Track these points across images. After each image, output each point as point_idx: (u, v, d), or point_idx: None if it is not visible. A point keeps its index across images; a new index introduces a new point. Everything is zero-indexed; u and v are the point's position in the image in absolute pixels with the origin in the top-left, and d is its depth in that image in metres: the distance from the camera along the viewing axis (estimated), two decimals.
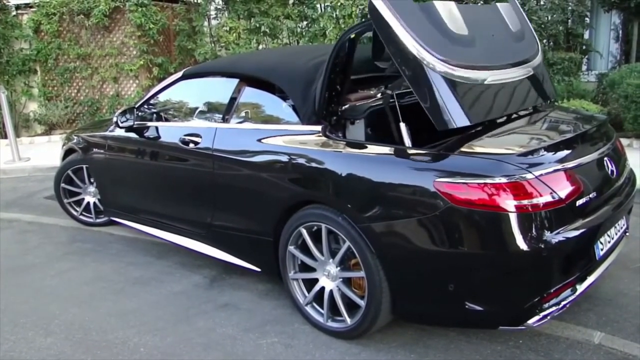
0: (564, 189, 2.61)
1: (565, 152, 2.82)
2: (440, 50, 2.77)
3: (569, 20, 9.46)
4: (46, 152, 8.59)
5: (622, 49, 9.82)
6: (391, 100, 3.18)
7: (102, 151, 4.64)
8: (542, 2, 8.74)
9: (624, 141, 7.01)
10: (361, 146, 3.05)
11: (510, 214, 2.46)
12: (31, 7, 9.85)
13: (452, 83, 2.74)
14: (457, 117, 2.70)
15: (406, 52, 2.72)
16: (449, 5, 3.09)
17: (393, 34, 2.73)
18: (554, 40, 9.07)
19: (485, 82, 2.94)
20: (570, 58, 8.63)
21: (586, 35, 10.15)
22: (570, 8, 9.23)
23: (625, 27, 9.61)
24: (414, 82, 2.75)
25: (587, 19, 9.85)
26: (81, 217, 5.20)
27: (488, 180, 2.50)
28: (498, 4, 3.53)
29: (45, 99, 10.09)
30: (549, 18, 8.73)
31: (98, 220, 5.13)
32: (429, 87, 2.72)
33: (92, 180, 5.01)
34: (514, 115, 3.29)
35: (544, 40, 8.81)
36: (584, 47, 9.75)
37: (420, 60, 2.70)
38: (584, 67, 10.04)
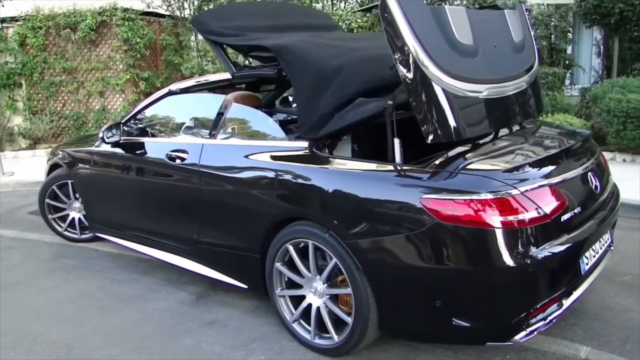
0: (549, 204, 2.62)
1: (550, 167, 2.85)
2: (443, 60, 2.70)
3: (552, 36, 9.62)
4: (30, 167, 8.51)
5: (604, 63, 9.99)
6: (393, 113, 2.93)
7: (88, 166, 4.60)
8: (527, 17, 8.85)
9: (608, 155, 7.12)
10: (348, 163, 3.04)
11: (496, 230, 2.48)
12: (17, 20, 9.82)
13: (449, 96, 2.69)
14: (448, 132, 2.69)
15: (409, 56, 2.62)
16: (459, 11, 3.00)
17: (399, 36, 2.62)
18: (539, 56, 9.19)
19: (480, 96, 2.91)
20: (554, 73, 8.77)
21: (569, 51, 10.32)
22: (553, 24, 9.39)
23: (607, 42, 9.79)
24: (411, 89, 2.68)
25: (569, 34, 10.02)
26: (66, 233, 5.14)
27: (474, 197, 2.51)
28: (505, 11, 3.45)
29: (30, 113, 10.03)
30: (534, 33, 8.84)
31: (83, 236, 5.07)
32: (426, 97, 2.66)
33: (77, 196, 4.97)
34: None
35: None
36: (567, 62, 9.91)
37: (422, 67, 2.62)
38: (567, 82, 10.20)
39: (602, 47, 10.15)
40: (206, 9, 9.51)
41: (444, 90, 2.68)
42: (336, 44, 3.52)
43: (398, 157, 2.84)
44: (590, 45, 10.77)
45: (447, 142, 2.74)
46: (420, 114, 2.69)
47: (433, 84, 2.65)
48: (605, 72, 9.81)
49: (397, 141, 2.84)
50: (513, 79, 3.23)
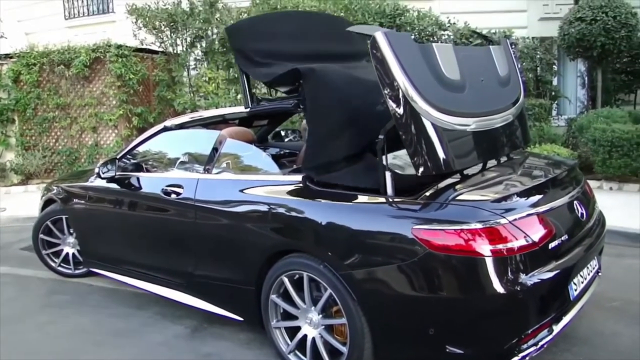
0: (537, 233, 2.70)
1: (537, 197, 2.93)
2: (432, 95, 2.78)
3: (538, 68, 9.86)
4: (23, 202, 8.52)
5: (589, 94, 10.24)
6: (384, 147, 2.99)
7: (82, 202, 4.65)
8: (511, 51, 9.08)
9: (595, 183, 7.26)
10: (341, 195, 3.08)
11: (486, 258, 2.54)
12: (11, 57, 9.94)
13: (438, 130, 2.77)
14: (438, 164, 2.77)
15: (398, 92, 2.70)
16: (446, 47, 3.12)
17: (389, 71, 2.70)
18: (524, 88, 9.39)
19: (468, 129, 3.00)
20: (540, 104, 8.97)
21: (555, 82, 10.57)
22: (538, 56, 9.63)
23: (590, 74, 10.05)
24: (401, 124, 2.76)
25: (555, 66, 10.28)
26: (59, 268, 5.14)
27: (464, 226, 2.59)
28: (490, 47, 3.56)
29: (23, 149, 10.08)
30: (519, 67, 9.07)
31: (77, 272, 5.08)
32: (416, 130, 2.73)
33: (71, 231, 5.00)
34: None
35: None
36: (553, 94, 10.14)
37: (411, 102, 2.70)
38: (554, 113, 10.43)
39: (586, 79, 10.42)
40: (198, 45, 9.68)
41: (432, 125, 2.76)
42: (360, 79, 3.49)
43: (390, 190, 2.91)
44: (575, 76, 11.05)
45: (436, 174, 2.83)
46: (411, 148, 2.78)
47: (422, 118, 2.73)
48: (590, 102, 10.05)
49: (388, 174, 2.92)
50: (500, 111, 3.33)
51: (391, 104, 2.76)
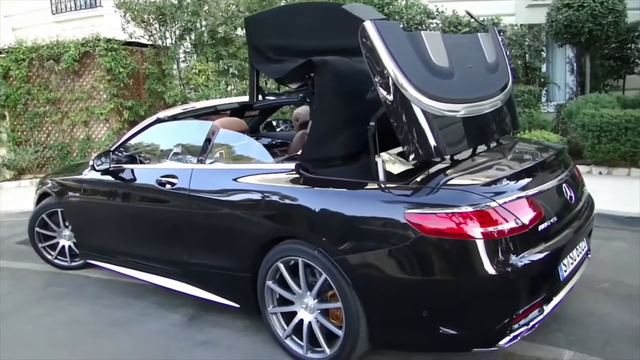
0: (526, 215, 2.76)
1: (526, 180, 2.99)
2: (421, 81, 2.82)
3: (527, 55, 9.92)
4: (16, 197, 8.53)
5: (578, 80, 10.31)
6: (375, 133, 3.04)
7: (77, 194, 4.67)
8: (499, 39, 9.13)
9: (584, 168, 7.35)
10: (334, 182, 3.12)
11: (477, 241, 2.60)
12: (0, 53, 9.88)
13: (428, 116, 2.82)
14: (429, 151, 2.83)
15: (388, 79, 2.75)
16: (435, 35, 3.16)
17: (379, 60, 2.75)
18: (512, 74, 9.46)
19: (458, 115, 3.04)
20: (529, 91, 9.04)
21: (544, 69, 10.63)
22: (527, 43, 9.69)
23: (579, 60, 10.11)
24: (392, 110, 2.81)
25: (543, 53, 10.33)
26: (56, 261, 5.17)
27: (455, 210, 2.64)
28: (478, 34, 3.62)
29: (15, 144, 10.07)
30: (507, 53, 9.12)
31: (73, 264, 5.11)
32: (406, 118, 2.79)
33: (66, 224, 5.02)
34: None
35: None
36: (542, 80, 10.21)
37: (401, 89, 2.75)
38: (543, 99, 10.50)
39: (575, 65, 10.49)
40: (187, 38, 9.67)
41: (422, 111, 2.81)
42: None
43: (381, 175, 2.96)
44: (564, 63, 11.12)
45: (428, 159, 2.88)
46: (402, 134, 2.82)
47: (412, 105, 2.78)
48: (579, 88, 10.12)
49: (379, 160, 2.96)
50: (488, 97, 3.37)
51: (382, 92, 2.81)
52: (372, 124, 2.95)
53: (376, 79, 2.81)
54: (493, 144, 3.62)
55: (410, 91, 2.77)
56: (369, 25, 2.76)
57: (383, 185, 2.92)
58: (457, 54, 3.20)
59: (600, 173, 7.40)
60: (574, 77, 10.60)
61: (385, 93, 2.80)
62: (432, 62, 2.98)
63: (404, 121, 2.80)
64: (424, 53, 2.97)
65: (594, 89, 9.30)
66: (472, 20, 8.73)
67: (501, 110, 3.51)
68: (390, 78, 2.75)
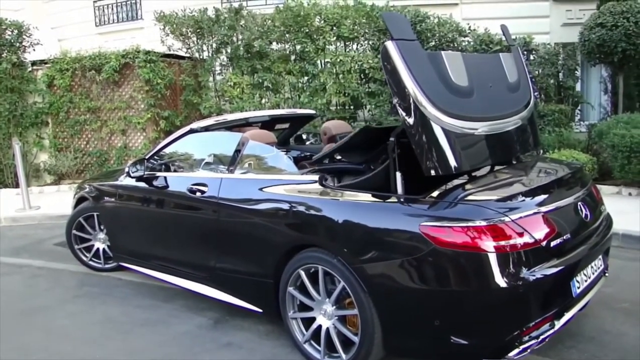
0: (539, 231, 2.85)
1: (541, 197, 3.08)
2: (440, 99, 2.97)
3: (560, 74, 9.88)
4: (55, 201, 8.87)
5: (612, 100, 10.20)
6: (395, 149, 3.22)
7: (113, 199, 4.92)
8: (532, 57, 9.16)
9: (613, 189, 7.32)
10: (355, 194, 3.26)
11: (489, 254, 2.70)
12: (46, 63, 10.34)
13: (446, 133, 2.96)
14: (447, 166, 2.96)
15: (408, 97, 2.90)
16: (455, 55, 3.29)
17: (399, 78, 2.91)
18: (545, 93, 9.46)
19: (476, 133, 3.17)
20: (560, 110, 8.99)
21: (577, 88, 10.55)
22: (560, 62, 9.66)
23: (613, 79, 10.01)
24: (410, 127, 2.95)
25: (577, 72, 10.27)
26: (90, 262, 5.42)
27: (469, 224, 2.74)
28: (500, 54, 3.71)
29: (56, 150, 10.47)
30: (539, 72, 9.14)
31: (107, 266, 5.35)
32: (425, 135, 2.93)
33: (102, 227, 5.27)
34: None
35: (535, 94, 9.17)
36: (575, 100, 10.13)
37: (420, 107, 2.89)
38: (576, 118, 10.41)
39: (608, 85, 10.38)
40: (224, 51, 9.95)
41: (442, 129, 2.95)
42: None
43: (400, 189, 3.09)
44: (598, 82, 11.02)
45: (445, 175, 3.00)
46: (421, 151, 2.96)
47: (432, 123, 2.92)
48: (613, 108, 10.01)
49: (398, 175, 3.10)
50: (508, 116, 3.48)
51: (401, 111, 2.96)
52: (392, 139, 3.09)
53: (396, 98, 2.96)
54: (513, 162, 3.70)
55: (430, 109, 2.91)
56: (390, 46, 2.92)
57: (402, 199, 3.05)
58: (478, 73, 3.32)
59: (630, 194, 7.33)
60: (608, 97, 10.49)
61: (404, 112, 2.94)
62: (452, 81, 3.11)
63: (423, 138, 2.93)
64: (443, 72, 3.10)
65: (627, 109, 9.19)
66: (504, 38, 8.76)
67: (522, 129, 3.60)
68: (410, 97, 2.90)
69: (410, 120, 2.95)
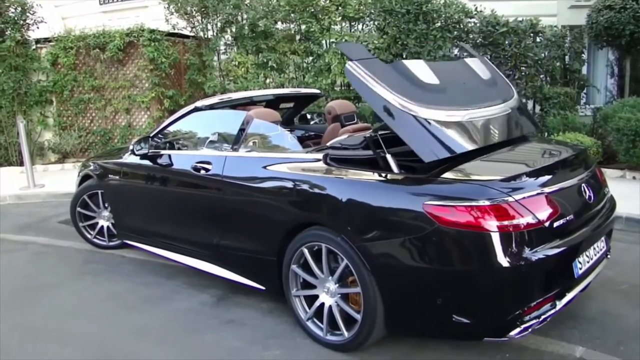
0: (542, 211, 2.85)
1: (545, 178, 3.08)
2: (414, 96, 3.15)
3: (566, 57, 9.80)
4: (60, 180, 8.91)
5: (618, 84, 10.13)
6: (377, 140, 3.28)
7: (117, 177, 4.93)
8: (538, 40, 9.07)
9: (618, 172, 7.31)
10: (358, 173, 3.26)
11: (492, 234, 2.70)
12: (50, 41, 10.32)
13: (429, 121, 3.08)
14: (439, 150, 3.00)
15: (381, 101, 3.09)
16: (417, 62, 3.49)
17: (368, 89, 3.14)
18: (550, 76, 9.40)
19: (464, 120, 3.25)
20: (565, 93, 8.94)
21: (584, 71, 10.48)
22: (566, 45, 9.57)
23: (620, 63, 9.93)
24: (394, 126, 3.07)
25: (583, 55, 10.19)
26: (95, 240, 5.46)
27: (473, 203, 2.75)
28: (466, 59, 3.93)
29: (60, 129, 10.49)
30: (545, 55, 9.06)
31: (111, 243, 5.38)
32: (406, 127, 3.05)
33: (106, 205, 5.29)
34: (500, 146, 3.54)
35: (541, 76, 9.13)
36: (581, 83, 10.07)
37: (395, 105, 3.06)
38: (582, 101, 10.35)
39: (615, 68, 10.30)
40: (228, 31, 9.90)
41: (425, 119, 3.09)
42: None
43: (395, 169, 3.10)
44: (605, 65, 10.93)
45: (441, 159, 3.01)
46: (412, 143, 3.01)
47: (414, 115, 3.06)
48: (619, 92, 9.94)
49: (389, 156, 3.14)
50: (492, 105, 3.60)
51: (380, 114, 3.10)
52: (372, 133, 3.22)
53: (372, 106, 3.16)
54: (514, 142, 3.69)
55: (408, 105, 3.08)
56: (352, 65, 3.17)
57: (405, 177, 3.05)
58: (446, 74, 3.60)
59: (634, 178, 7.31)
60: (614, 80, 10.41)
61: (386, 114, 3.07)
62: (422, 82, 3.35)
63: (410, 132, 3.05)
64: (411, 76, 3.35)
65: (634, 92, 9.13)
66: (511, 20, 8.72)
67: (512, 115, 3.70)
68: (385, 100, 3.07)
69: (394, 121, 3.06)
